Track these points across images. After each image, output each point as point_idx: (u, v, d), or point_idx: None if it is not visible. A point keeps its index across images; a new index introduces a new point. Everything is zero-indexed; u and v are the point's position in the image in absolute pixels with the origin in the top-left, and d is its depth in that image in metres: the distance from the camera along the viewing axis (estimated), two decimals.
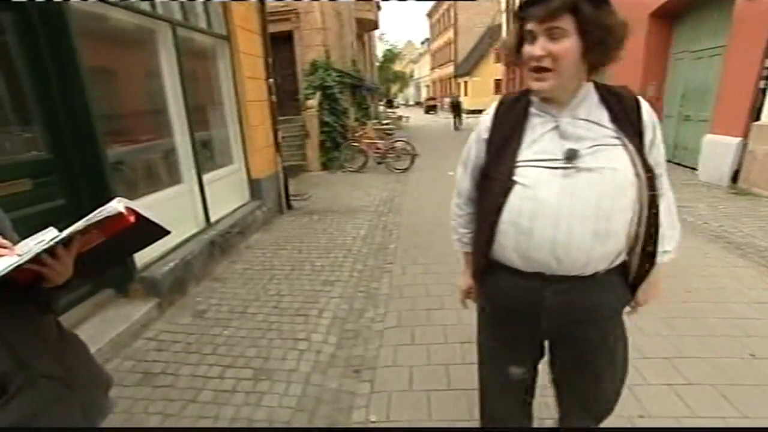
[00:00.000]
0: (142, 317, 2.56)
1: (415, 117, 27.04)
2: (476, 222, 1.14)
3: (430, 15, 46.96)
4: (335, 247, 4.01)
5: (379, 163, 8.49)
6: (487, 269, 1.09)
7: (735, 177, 5.29)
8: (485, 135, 1.07)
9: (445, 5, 37.76)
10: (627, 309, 1.12)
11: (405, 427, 1.77)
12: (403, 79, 43.20)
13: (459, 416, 1.76)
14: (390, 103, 29.58)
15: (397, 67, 39.88)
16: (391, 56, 34.15)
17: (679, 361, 2.04)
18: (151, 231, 0.83)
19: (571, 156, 0.92)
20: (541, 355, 1.20)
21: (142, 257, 2.80)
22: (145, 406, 1.90)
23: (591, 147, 0.93)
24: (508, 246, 1.00)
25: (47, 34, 2.28)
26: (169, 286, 2.87)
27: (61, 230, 0.73)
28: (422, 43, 61.50)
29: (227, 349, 2.34)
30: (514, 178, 0.96)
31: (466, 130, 13.86)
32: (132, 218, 0.73)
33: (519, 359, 1.17)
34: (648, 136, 0.97)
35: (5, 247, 0.75)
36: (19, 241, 0.81)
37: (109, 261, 1.02)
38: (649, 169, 0.95)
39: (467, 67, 32.74)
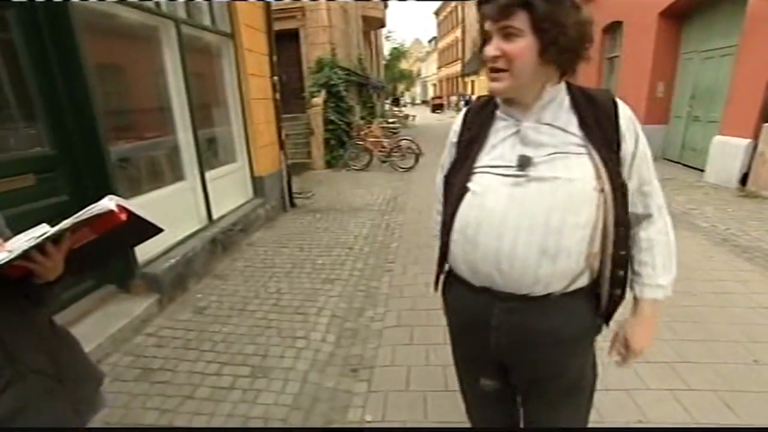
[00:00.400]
0: (142, 313, 2.58)
1: (422, 116, 26.93)
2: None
3: (437, 13, 46.85)
4: (337, 245, 4.01)
5: (384, 161, 8.45)
6: (446, 281, 1.06)
7: (744, 179, 5.21)
8: (454, 139, 1.03)
9: (453, 3, 37.59)
10: (616, 358, 1.03)
11: (400, 427, 1.77)
12: (409, 78, 43.07)
13: (454, 417, 1.75)
14: (396, 102, 29.41)
15: (404, 65, 39.70)
16: (397, 54, 34.01)
17: (680, 366, 2.01)
18: (145, 228, 0.82)
19: (523, 163, 0.85)
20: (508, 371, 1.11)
21: (143, 253, 2.82)
22: (142, 401, 1.91)
23: (549, 155, 0.85)
24: (458, 256, 0.96)
25: (52, 31, 2.30)
26: (170, 283, 2.88)
27: None
28: (430, 41, 61.33)
29: (226, 346, 2.35)
30: (468, 184, 0.91)
31: None
32: (123, 216, 0.73)
33: (486, 372, 1.08)
34: (627, 147, 0.87)
35: None
36: (11, 237, 0.82)
37: (102, 258, 1.02)
38: (621, 184, 0.85)
39: (475, 66, 32.47)
